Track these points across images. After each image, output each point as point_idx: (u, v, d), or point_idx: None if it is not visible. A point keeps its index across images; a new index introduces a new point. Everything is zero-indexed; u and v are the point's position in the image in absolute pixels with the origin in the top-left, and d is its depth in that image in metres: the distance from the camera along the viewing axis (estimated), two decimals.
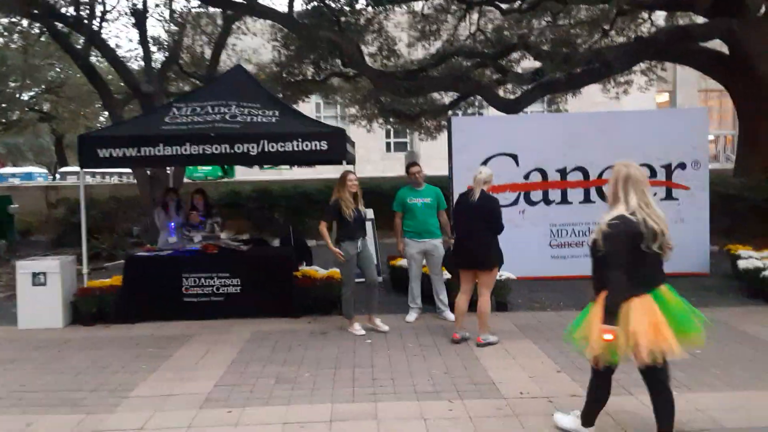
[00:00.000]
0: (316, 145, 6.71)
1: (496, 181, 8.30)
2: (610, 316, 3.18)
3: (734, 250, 8.08)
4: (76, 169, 30.01)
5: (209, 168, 26.63)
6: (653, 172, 8.44)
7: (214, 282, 6.75)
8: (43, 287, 6.47)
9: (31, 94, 26.56)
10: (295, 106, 15.82)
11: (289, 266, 6.90)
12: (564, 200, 8.51)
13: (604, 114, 9.15)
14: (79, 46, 12.43)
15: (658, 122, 8.59)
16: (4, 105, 25.85)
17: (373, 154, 27.93)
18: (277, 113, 7.13)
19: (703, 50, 11.76)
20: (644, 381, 3.43)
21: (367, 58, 14.10)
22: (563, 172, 8.52)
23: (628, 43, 11.67)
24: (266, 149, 6.68)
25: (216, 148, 6.65)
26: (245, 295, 6.75)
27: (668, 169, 8.46)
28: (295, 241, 7.88)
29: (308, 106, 23.11)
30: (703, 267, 8.44)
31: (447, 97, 17.19)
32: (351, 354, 5.33)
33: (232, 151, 6.66)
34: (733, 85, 11.26)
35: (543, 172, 8.49)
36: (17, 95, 25.56)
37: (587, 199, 8.53)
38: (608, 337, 3.18)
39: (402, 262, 7.35)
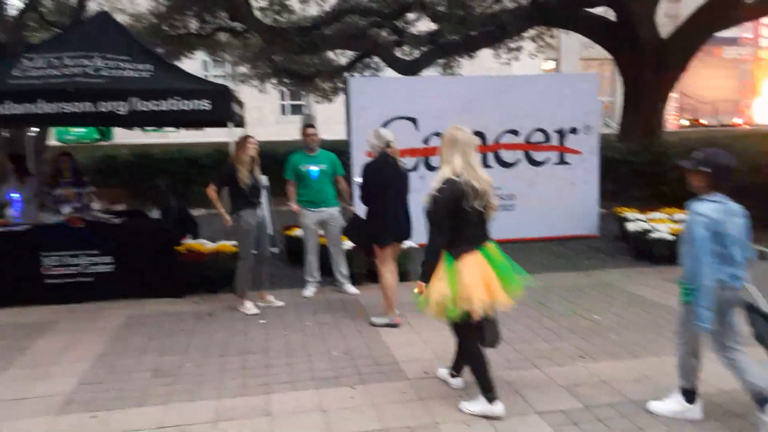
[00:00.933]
0: (196, 104, 5.95)
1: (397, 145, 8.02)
2: (426, 273, 3.38)
3: (621, 212, 8.35)
4: None
5: (83, 130, 24.27)
6: (547, 137, 8.48)
7: (80, 261, 5.91)
8: None
9: None
10: (178, 62, 14.57)
11: (171, 240, 6.19)
12: None
13: (500, 78, 9.06)
14: None
15: (552, 87, 8.60)
16: None
17: (268, 116, 26.68)
18: (150, 67, 6.26)
19: (592, 17, 12.00)
20: (456, 334, 3.63)
21: (257, 13, 13.14)
22: None
23: (522, 6, 11.66)
24: (137, 108, 5.84)
25: (76, 106, 5.72)
26: (119, 274, 5.99)
27: (561, 134, 8.53)
28: (178, 211, 7.13)
29: (194, 64, 21.37)
30: (593, 229, 8.68)
31: (343, 58, 16.57)
32: (242, 337, 4.83)
33: (96, 109, 5.76)
34: (619, 52, 11.62)
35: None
36: None
37: (485, 164, 8.41)
38: (417, 290, 3.41)
39: (298, 232, 6.87)
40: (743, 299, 3.21)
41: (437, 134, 8.23)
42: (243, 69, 18.08)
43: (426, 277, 3.39)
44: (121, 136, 24.66)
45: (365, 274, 6.46)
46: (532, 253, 7.77)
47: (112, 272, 5.97)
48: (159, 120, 6.48)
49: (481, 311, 3.30)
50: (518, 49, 17.48)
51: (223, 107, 6.08)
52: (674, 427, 3.32)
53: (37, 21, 13.00)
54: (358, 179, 5.26)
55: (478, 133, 8.33)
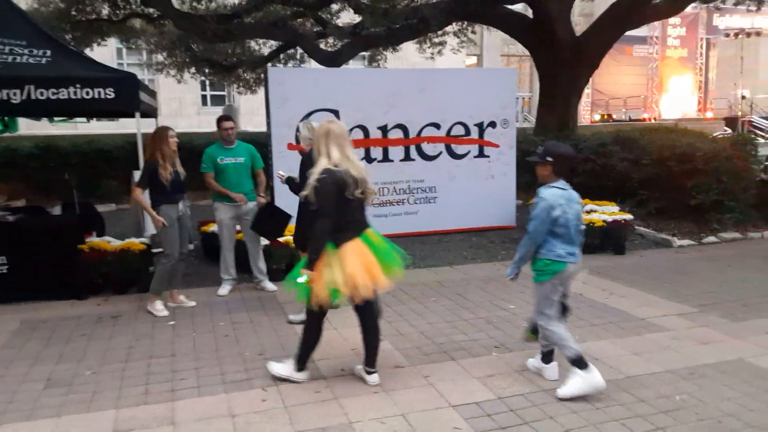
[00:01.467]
0: (100, 92, 5.61)
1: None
2: (312, 261, 3.49)
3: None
4: None
5: None
6: (467, 130, 8.57)
7: None
8: None
9: None
10: (89, 50, 13.71)
11: (72, 238, 5.77)
12: (385, 158, 8.31)
13: (422, 71, 9.06)
14: None
15: (472, 81, 8.69)
16: None
17: (188, 107, 25.74)
18: (48, 53, 5.81)
19: (512, 14, 12.24)
20: (359, 318, 3.77)
21: (174, 1, 12.53)
22: (384, 130, 8.29)
23: (444, 1, 11.73)
24: (34, 96, 5.44)
25: None
26: (14, 275, 5.54)
27: (480, 127, 8.63)
28: (82, 207, 6.66)
29: (107, 51, 20.26)
30: (511, 220, 8.86)
31: (266, 48, 16.13)
32: (148, 341, 4.55)
33: None
34: (536, 48, 11.92)
35: (365, 129, 8.17)
36: None
37: (407, 157, 8.42)
38: (302, 279, 3.51)
39: (214, 228, 6.59)
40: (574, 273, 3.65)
41: (360, 127, 8.15)
42: (160, 57, 17.27)
43: (312, 264, 3.50)
44: (28, 127, 23.09)
45: (284, 269, 6.29)
46: (452, 245, 7.85)
47: (6, 273, 5.52)
48: (58, 110, 6.04)
49: (365, 295, 3.51)
50: (442, 44, 17.66)
51: (128, 96, 5.75)
52: (583, 414, 3.39)
53: None
54: (281, 173, 5.06)
55: (401, 126, 8.33)
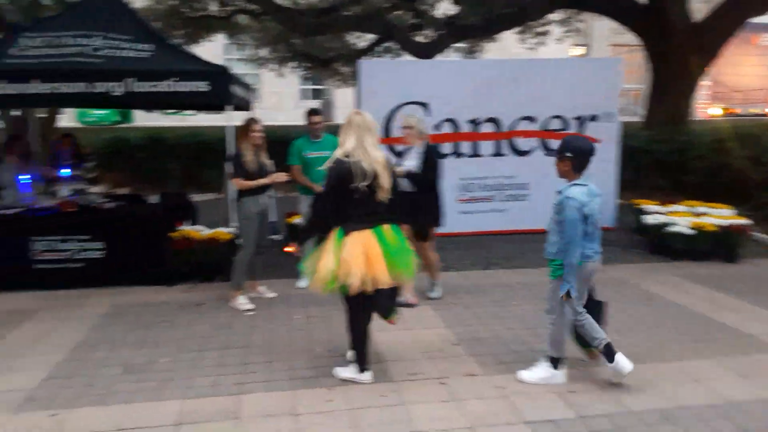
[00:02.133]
0: (195, 85, 5.73)
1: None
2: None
3: (639, 204, 7.91)
4: None
5: (103, 112, 24.39)
6: (566, 124, 8.05)
7: (71, 246, 5.76)
8: None
9: None
10: (197, 46, 14.38)
11: (164, 226, 5.99)
12: (475, 153, 8.00)
13: (517, 61, 8.62)
14: None
15: (572, 71, 8.14)
16: None
17: (287, 101, 26.53)
18: (152, 48, 6.05)
19: None
20: (344, 304, 3.70)
21: None
22: (475, 123, 7.97)
23: None
24: (133, 89, 5.65)
25: (70, 87, 5.55)
26: (110, 260, 5.83)
27: (580, 121, 8.08)
28: (176, 197, 6.93)
29: (215, 48, 21.26)
30: (609, 221, 8.24)
31: (363, 41, 16.21)
32: (225, 331, 4.61)
33: (91, 90, 5.58)
34: (646, 36, 11.04)
35: (454, 123, 7.90)
36: None
37: (498, 152, 8.06)
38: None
39: (300, 219, 6.61)
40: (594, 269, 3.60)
41: (449, 120, 7.89)
42: (262, 53, 17.85)
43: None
44: (141, 119, 24.77)
45: None
46: (541, 245, 7.39)
47: (102, 258, 5.82)
48: (156, 101, 6.26)
49: (358, 285, 3.43)
50: (544, 33, 16.88)
51: (221, 89, 5.84)
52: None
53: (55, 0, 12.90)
54: (411, 163, 5.10)
55: (493, 120, 7.98)
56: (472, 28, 9.05)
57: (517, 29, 15.71)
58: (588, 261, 3.51)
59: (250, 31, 16.56)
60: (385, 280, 3.48)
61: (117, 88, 5.63)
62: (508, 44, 16.60)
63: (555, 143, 8.08)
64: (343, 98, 22.94)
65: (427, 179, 5.09)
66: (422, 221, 5.15)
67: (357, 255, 3.44)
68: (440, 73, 7.97)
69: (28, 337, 4.49)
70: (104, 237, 5.80)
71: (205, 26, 14.61)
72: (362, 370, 3.73)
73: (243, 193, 5.15)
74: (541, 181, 8.10)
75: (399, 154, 6.36)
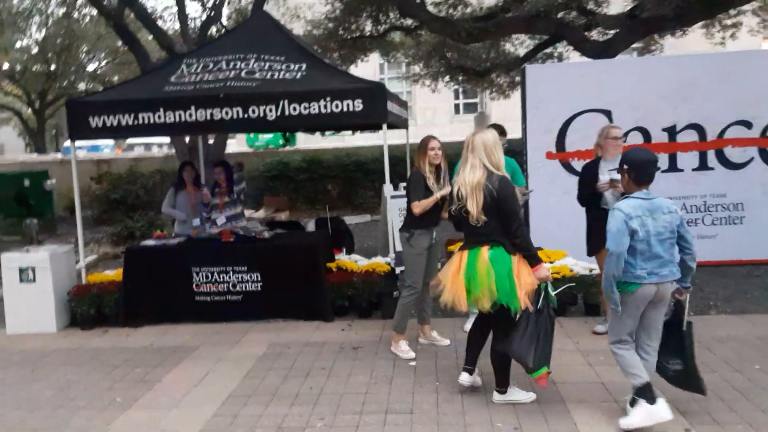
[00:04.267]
0: (348, 104, 5.28)
1: (583, 144, 6.63)
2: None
3: None
4: (146, 140, 29.94)
5: (270, 136, 25.76)
6: None
7: (229, 277, 5.54)
8: (32, 284, 5.47)
9: (95, 65, 26.65)
10: (353, 66, 14.41)
11: (320, 257, 5.57)
12: (672, 167, 6.67)
13: (725, 55, 7.14)
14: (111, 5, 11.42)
15: None
16: (73, 77, 26.06)
17: (441, 116, 26.10)
18: (303, 67, 5.73)
19: None
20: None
21: (430, 8, 12.37)
22: (672, 132, 6.66)
23: None
24: (287, 112, 5.34)
25: (226, 113, 5.38)
26: (266, 293, 5.52)
27: None
28: (333, 222, 6.54)
29: (370, 67, 21.47)
30: None
31: (522, 49, 15.18)
32: (386, 388, 3.94)
33: (246, 115, 5.36)
34: None
35: (645, 132, 6.65)
36: (82, 66, 25.64)
37: (703, 166, 6.65)
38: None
39: None
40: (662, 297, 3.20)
41: (639, 129, 6.67)
42: (416, 69, 17.58)
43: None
44: (303, 141, 25.80)
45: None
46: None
47: (259, 291, 5.52)
48: (311, 124, 5.90)
49: (448, 301, 3.54)
50: (736, 26, 14.62)
51: (376, 107, 5.32)
52: None
53: (221, 31, 13.61)
54: (605, 183, 4.45)
55: (695, 126, 6.61)
56: (660, 20, 7.71)
57: (703, 22, 13.75)
58: (638, 283, 3.14)
59: (404, 47, 16.37)
60: (460, 303, 3.48)
61: (271, 112, 5.35)
62: (687, 41, 14.59)
63: None
64: (499, 111, 21.95)
65: None
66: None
67: (446, 273, 3.59)
68: (625, 74, 6.79)
69: (185, 381, 4.20)
70: (260, 268, 5.51)
71: (360, 47, 14.61)
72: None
73: (414, 223, 4.42)
74: (760, 200, 6.56)
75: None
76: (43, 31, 23.89)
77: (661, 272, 3.14)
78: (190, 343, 5.00)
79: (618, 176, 4.30)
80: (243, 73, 5.67)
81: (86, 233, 11.36)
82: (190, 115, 5.39)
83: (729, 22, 14.37)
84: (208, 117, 5.38)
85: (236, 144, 31.59)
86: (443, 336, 4.77)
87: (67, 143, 30.81)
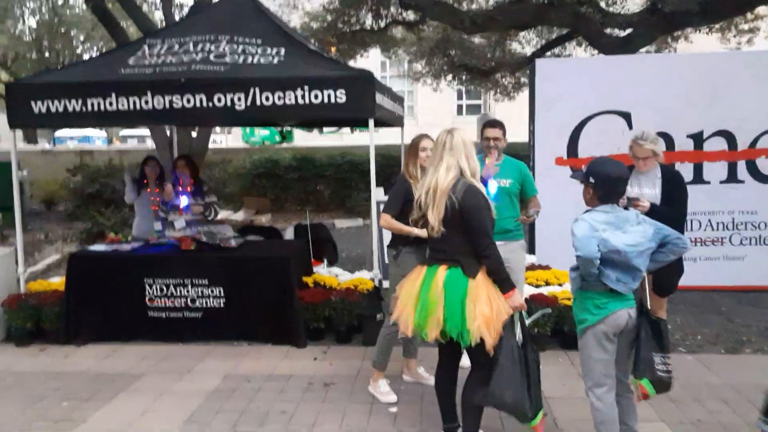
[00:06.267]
0: (329, 95, 4.53)
1: (598, 150, 5.86)
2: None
3: None
4: (139, 132, 29.09)
5: (267, 132, 25.03)
6: None
7: (187, 291, 4.79)
8: None
9: (91, 54, 25.94)
10: (353, 62, 13.71)
11: (294, 270, 4.82)
12: (698, 179, 5.93)
13: (761, 53, 6.38)
14: None
15: None
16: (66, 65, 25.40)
17: (443, 117, 25.37)
18: (282, 51, 4.97)
19: None
20: None
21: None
22: (698, 139, 5.92)
23: None
24: (259, 101, 4.59)
25: (188, 100, 4.63)
26: (230, 311, 4.77)
27: None
28: (314, 231, 5.78)
29: (371, 64, 20.68)
30: None
31: (529, 47, 14.49)
32: None
33: (211, 104, 4.61)
34: None
35: (668, 138, 5.90)
36: (76, 55, 24.95)
37: (733, 178, 5.91)
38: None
39: None
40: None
41: (661, 134, 5.89)
42: (418, 67, 16.90)
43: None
44: (301, 138, 25.05)
45: (548, 337, 4.54)
46: None
47: (222, 308, 4.77)
48: (287, 115, 5.16)
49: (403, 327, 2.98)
50: (753, 30, 13.97)
51: (362, 99, 4.57)
52: None
53: None
54: (649, 192, 3.78)
55: (725, 133, 5.87)
56: (684, 15, 6.97)
57: (719, 25, 13.05)
58: (607, 310, 2.69)
59: (406, 44, 15.71)
60: (405, 328, 2.94)
61: (240, 102, 4.60)
62: (698, 45, 13.90)
63: None
64: (503, 112, 21.23)
65: (676, 214, 3.62)
66: (666, 270, 3.27)
67: (402, 286, 3.06)
68: (647, 72, 6.04)
69: (113, 422, 3.45)
70: (225, 282, 4.76)
71: (359, 42, 13.94)
72: None
73: (402, 239, 3.61)
74: None
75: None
76: (37, 16, 23.25)
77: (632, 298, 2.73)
78: (134, 370, 4.24)
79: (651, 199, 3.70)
80: (212, 57, 4.91)
81: (58, 229, 10.72)
82: (146, 102, 4.64)
83: (746, 27, 13.76)
84: (167, 105, 4.63)
85: (232, 139, 30.90)
86: (432, 372, 4.01)
87: (58, 133, 30.03)
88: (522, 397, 2.72)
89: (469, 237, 2.81)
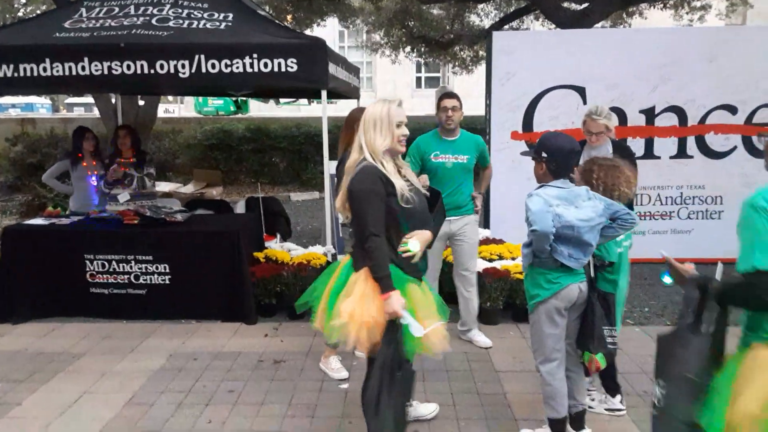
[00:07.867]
0: (280, 64, 4.35)
1: (553, 124, 5.90)
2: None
3: None
4: (86, 100, 27.91)
5: (221, 102, 24.33)
6: None
7: (131, 267, 4.60)
8: None
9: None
10: (309, 31, 13.33)
11: (244, 245, 4.68)
12: (648, 154, 6.01)
13: (714, 30, 6.46)
14: None
15: None
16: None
17: (402, 90, 25.20)
18: (230, 17, 4.75)
19: None
20: None
21: None
22: (650, 114, 5.98)
23: None
24: (205, 69, 4.37)
25: (128, 67, 4.36)
26: (176, 287, 4.61)
27: None
28: (266, 204, 5.63)
29: (328, 34, 20.30)
30: None
31: (487, 20, 14.42)
32: (305, 422, 3.13)
33: (153, 71, 4.36)
34: None
35: (621, 114, 5.95)
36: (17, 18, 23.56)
37: (682, 153, 6.02)
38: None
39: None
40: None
41: (614, 110, 5.93)
42: (376, 38, 16.63)
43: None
44: (257, 109, 24.44)
45: (500, 310, 4.55)
46: None
47: (167, 284, 4.61)
48: (232, 84, 4.96)
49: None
50: (704, 8, 14.26)
51: (314, 68, 4.40)
52: None
53: None
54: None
55: (676, 109, 5.95)
56: None
57: (672, 1, 13.26)
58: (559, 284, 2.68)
59: (363, 13, 15.41)
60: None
61: (184, 69, 4.37)
62: (651, 22, 14.13)
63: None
64: (462, 86, 21.19)
65: None
66: None
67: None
68: (604, 47, 6.04)
69: (49, 405, 3.29)
70: (170, 257, 4.59)
71: (316, 10, 13.57)
72: None
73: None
74: (741, 193, 5.92)
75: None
76: None
77: (582, 272, 2.73)
78: (75, 349, 4.07)
79: None
80: (154, 21, 4.64)
81: None
82: (83, 68, 4.36)
83: (698, 3, 14.00)
84: (105, 71, 4.36)
85: (184, 109, 29.92)
86: None
87: (10, 99, 28.19)
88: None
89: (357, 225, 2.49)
